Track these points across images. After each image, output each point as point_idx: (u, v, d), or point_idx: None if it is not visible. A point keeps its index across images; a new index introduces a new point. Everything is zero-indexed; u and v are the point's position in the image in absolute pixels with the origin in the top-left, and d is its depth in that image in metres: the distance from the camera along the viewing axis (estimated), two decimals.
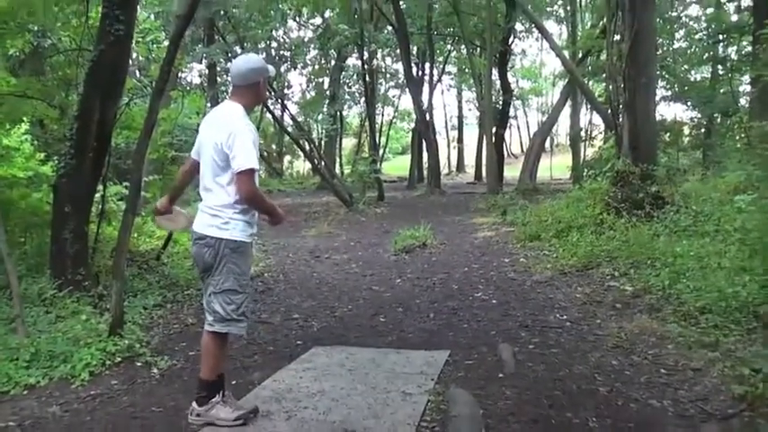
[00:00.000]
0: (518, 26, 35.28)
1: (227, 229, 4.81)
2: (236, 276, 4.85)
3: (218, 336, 4.91)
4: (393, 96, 49.81)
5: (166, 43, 10.95)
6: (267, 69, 5.10)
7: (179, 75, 28.17)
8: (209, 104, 25.65)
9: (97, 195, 9.55)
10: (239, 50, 30.93)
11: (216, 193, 4.86)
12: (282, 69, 39.62)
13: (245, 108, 4.94)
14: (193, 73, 37.04)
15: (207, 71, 33.41)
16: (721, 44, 26.44)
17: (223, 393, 5.00)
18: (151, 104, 7.63)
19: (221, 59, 31.09)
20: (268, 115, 41.04)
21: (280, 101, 35.76)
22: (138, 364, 6.66)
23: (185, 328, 8.33)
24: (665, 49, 28.04)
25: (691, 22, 29.12)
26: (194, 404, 4.94)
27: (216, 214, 4.83)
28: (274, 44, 40.00)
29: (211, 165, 4.86)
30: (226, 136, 4.71)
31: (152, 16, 18.92)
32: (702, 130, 26.26)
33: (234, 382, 6.00)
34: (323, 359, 6.66)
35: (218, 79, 35.17)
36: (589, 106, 32.43)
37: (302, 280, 11.63)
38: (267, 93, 4.84)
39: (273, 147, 50.59)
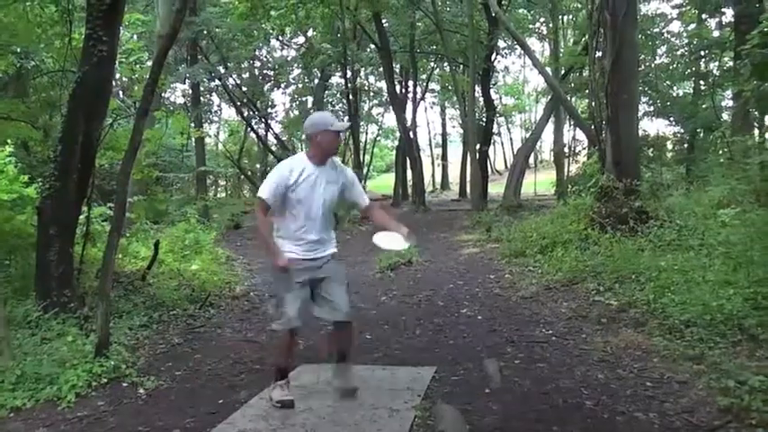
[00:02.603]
0: (501, 43, 35.35)
1: None
2: (276, 284, 5.89)
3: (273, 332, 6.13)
4: (377, 114, 49.84)
5: (150, 64, 10.97)
6: (325, 124, 5.79)
7: (162, 95, 28.18)
8: (192, 124, 25.65)
9: (81, 217, 9.54)
10: (222, 70, 31.01)
11: None
12: (266, 89, 39.65)
13: (310, 156, 5.78)
14: (177, 93, 37.14)
15: (190, 91, 33.39)
16: (703, 60, 26.66)
17: (287, 381, 5.89)
18: (135, 125, 7.66)
19: (204, 79, 31.13)
20: (252, 135, 41.10)
21: (263, 120, 35.80)
22: (125, 384, 6.66)
23: (171, 348, 8.33)
24: (647, 64, 28.15)
25: (672, 38, 29.30)
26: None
27: None
28: (257, 63, 40.04)
29: None
30: None
31: (135, 37, 18.90)
32: (685, 145, 26.35)
33: (221, 401, 6.02)
34: (310, 377, 6.67)
35: (202, 99, 35.14)
36: (572, 122, 32.57)
37: None
38: (333, 144, 5.61)
39: (257, 166, 50.56)
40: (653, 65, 28.94)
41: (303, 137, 5.80)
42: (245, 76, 38.39)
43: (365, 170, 41.16)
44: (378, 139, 54.50)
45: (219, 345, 8.50)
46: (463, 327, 8.77)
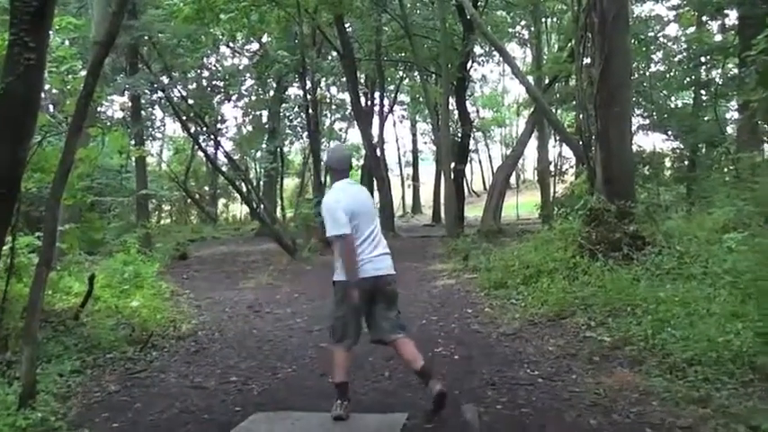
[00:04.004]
0: (477, 49, 35.60)
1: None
2: None
3: None
4: (340, 130, 50.06)
5: (84, 73, 10.88)
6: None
7: (98, 109, 27.98)
8: (132, 142, 25.49)
9: (5, 248, 9.41)
10: (166, 80, 30.86)
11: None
12: (215, 101, 39.53)
13: None
14: (114, 107, 36.86)
15: (130, 104, 33.15)
16: (704, 67, 26.76)
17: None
18: (67, 143, 7.58)
19: (146, 91, 30.92)
20: (200, 153, 40.86)
21: (212, 137, 35.65)
22: None
23: (108, 396, 8.21)
24: (641, 72, 28.34)
25: (669, 43, 29.46)
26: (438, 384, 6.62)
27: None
28: (206, 73, 39.86)
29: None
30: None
31: (66, 42, 18.78)
32: (685, 161, 26.49)
33: None
34: (265, 427, 6.61)
35: (143, 113, 34.88)
36: (558, 137, 32.75)
37: (240, 338, 11.56)
38: None
39: (206, 189, 50.39)
40: (648, 73, 29.14)
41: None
42: (192, 87, 38.20)
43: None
44: None
45: (163, 392, 8.40)
46: (437, 367, 8.70)
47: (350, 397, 6.98)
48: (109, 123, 32.40)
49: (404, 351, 6.94)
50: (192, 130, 34.67)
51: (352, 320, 7.04)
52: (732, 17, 23.62)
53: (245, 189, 31.99)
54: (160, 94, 33.02)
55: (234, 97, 41.02)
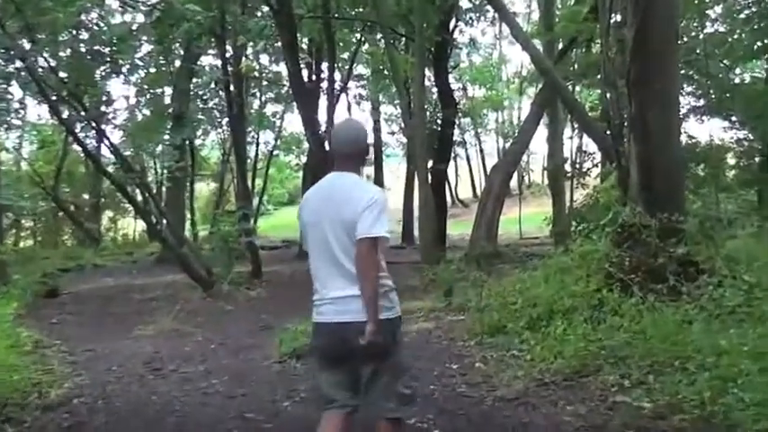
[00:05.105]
0: (463, 3, 35.71)
1: (393, 306, 6.41)
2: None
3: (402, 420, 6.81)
4: (273, 115, 49.92)
5: None
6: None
7: None
8: None
9: None
10: (27, 46, 30.67)
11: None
12: (98, 75, 39.31)
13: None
14: None
15: None
16: None
17: None
18: None
19: (0, 60, 30.76)
20: (76, 148, 40.64)
21: (94, 125, 35.53)
22: None
23: None
24: (692, 35, 28.44)
25: None
26: None
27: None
28: (85, 35, 39.56)
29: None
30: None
31: None
32: (756, 158, 26.60)
33: None
34: None
35: None
36: (576, 125, 32.87)
37: (134, 407, 11.46)
38: None
39: (85, 197, 50.15)
40: (702, 36, 29.20)
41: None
42: (66, 54, 37.95)
43: (256, 202, 41.05)
44: (275, 153, 54.54)
45: None
46: None
47: None
48: None
49: None
50: (66, 115, 34.52)
51: (321, 379, 6.80)
52: None
53: (140, 198, 31.91)
54: (19, 64, 32.84)
55: (125, 69, 40.80)
